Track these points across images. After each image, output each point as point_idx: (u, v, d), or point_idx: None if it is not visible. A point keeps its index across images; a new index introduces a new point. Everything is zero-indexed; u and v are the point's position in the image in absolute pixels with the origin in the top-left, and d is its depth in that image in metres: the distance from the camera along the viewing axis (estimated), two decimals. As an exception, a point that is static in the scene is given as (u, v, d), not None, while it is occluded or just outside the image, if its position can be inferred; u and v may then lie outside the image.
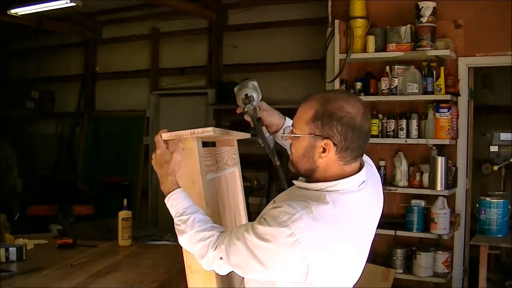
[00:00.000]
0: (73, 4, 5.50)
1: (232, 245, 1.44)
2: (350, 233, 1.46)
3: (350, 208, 1.46)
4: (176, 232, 1.54)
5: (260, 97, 1.89)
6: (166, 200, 1.58)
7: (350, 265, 1.52)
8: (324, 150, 1.45)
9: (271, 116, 1.87)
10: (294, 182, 1.58)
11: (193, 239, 1.50)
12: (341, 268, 1.48)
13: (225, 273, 1.51)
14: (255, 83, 1.89)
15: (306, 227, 1.36)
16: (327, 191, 1.45)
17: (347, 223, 1.45)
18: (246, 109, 1.80)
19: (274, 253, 1.38)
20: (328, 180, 1.47)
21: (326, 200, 1.42)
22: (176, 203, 1.56)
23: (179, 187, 1.60)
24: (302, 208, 1.39)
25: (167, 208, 1.59)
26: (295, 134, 1.51)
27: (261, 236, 1.39)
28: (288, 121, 1.87)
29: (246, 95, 1.83)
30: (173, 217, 1.56)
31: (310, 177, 1.52)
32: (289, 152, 1.58)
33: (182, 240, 1.53)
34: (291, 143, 1.54)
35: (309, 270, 1.38)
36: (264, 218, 1.42)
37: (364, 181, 1.52)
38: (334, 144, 1.44)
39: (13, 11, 5.80)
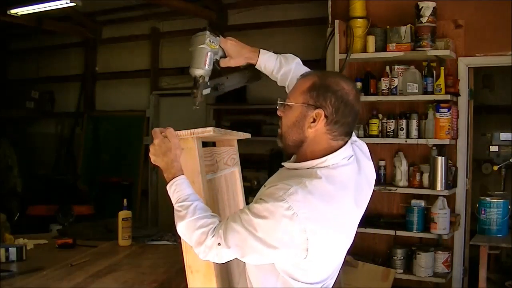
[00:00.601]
0: (73, 4, 5.50)
1: (229, 228, 1.44)
2: (344, 205, 1.49)
3: (342, 181, 1.50)
4: (175, 218, 1.53)
5: (218, 42, 1.79)
6: (169, 186, 1.57)
7: (344, 239, 1.55)
8: (314, 121, 1.50)
9: (239, 62, 1.87)
10: (284, 164, 1.61)
11: (193, 225, 1.49)
12: (336, 242, 1.51)
13: (223, 261, 1.51)
14: (204, 45, 1.76)
15: (302, 200, 1.39)
16: (317, 167, 1.49)
17: (341, 196, 1.48)
18: (196, 103, 1.76)
19: (273, 228, 1.40)
20: (316, 156, 1.51)
21: (318, 175, 1.46)
22: (179, 189, 1.56)
23: (183, 174, 1.59)
24: (296, 184, 1.42)
25: (168, 196, 1.58)
26: (288, 103, 1.55)
27: (259, 214, 1.41)
28: (262, 52, 1.86)
29: (195, 78, 1.77)
30: (174, 203, 1.55)
31: (298, 151, 1.56)
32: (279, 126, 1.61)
33: (180, 226, 1.52)
34: (281, 116, 1.58)
35: (308, 245, 1.40)
36: (260, 198, 1.44)
37: (352, 155, 1.56)
38: (325, 115, 1.49)
39: (13, 11, 5.80)
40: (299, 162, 1.55)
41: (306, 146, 1.53)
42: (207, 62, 1.76)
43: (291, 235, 1.39)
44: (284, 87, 1.88)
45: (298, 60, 1.89)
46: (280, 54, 1.90)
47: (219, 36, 1.80)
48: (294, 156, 1.63)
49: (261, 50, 1.86)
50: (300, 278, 1.49)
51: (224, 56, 1.83)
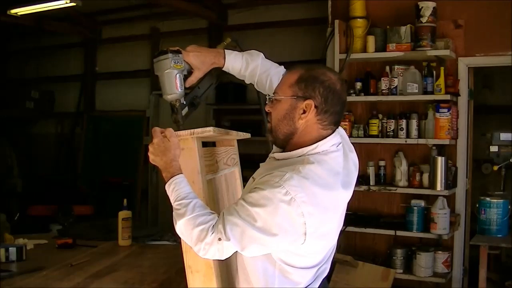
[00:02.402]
0: (73, 4, 5.49)
1: (227, 222, 1.45)
2: (337, 189, 1.52)
3: (333, 166, 1.53)
4: (174, 217, 1.53)
5: (182, 59, 1.73)
6: (167, 185, 1.57)
7: (336, 221, 1.57)
8: (304, 112, 1.53)
9: (206, 70, 1.81)
10: (274, 155, 1.62)
11: (193, 222, 1.49)
12: (330, 224, 1.53)
13: (224, 257, 1.51)
14: (170, 68, 1.70)
15: (298, 185, 1.42)
16: (308, 154, 1.53)
17: (333, 180, 1.51)
18: (179, 127, 1.73)
19: (272, 215, 1.42)
20: (307, 144, 1.54)
21: (310, 160, 1.50)
22: (178, 187, 1.56)
23: (182, 173, 1.59)
24: (291, 170, 1.46)
25: (167, 195, 1.57)
26: (277, 97, 1.57)
27: (256, 203, 1.43)
28: (227, 53, 1.81)
29: (171, 104, 1.75)
30: (173, 201, 1.55)
31: (288, 143, 1.58)
32: (267, 121, 1.63)
33: (179, 224, 1.52)
34: (270, 111, 1.60)
35: (306, 229, 1.43)
36: (256, 187, 1.46)
37: (340, 142, 1.60)
38: (315, 106, 1.52)
39: (13, 11, 5.79)
40: (289, 151, 1.58)
41: (296, 137, 1.56)
42: (178, 84, 1.72)
43: (290, 220, 1.42)
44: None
45: (262, 55, 1.88)
46: (244, 51, 1.87)
47: (181, 52, 1.74)
48: (277, 148, 1.65)
49: (226, 52, 1.83)
50: (296, 264, 1.53)
51: (191, 68, 1.78)
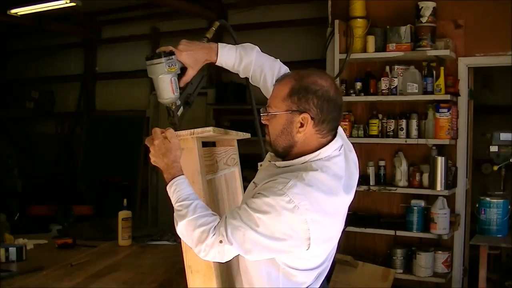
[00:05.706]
0: (73, 4, 5.50)
1: (230, 226, 1.45)
2: (339, 193, 1.52)
3: (336, 171, 1.53)
4: (175, 218, 1.53)
5: (175, 60, 1.69)
6: (168, 186, 1.57)
7: (338, 225, 1.57)
8: (302, 125, 1.51)
9: (199, 67, 1.79)
10: (276, 163, 1.61)
11: (194, 224, 1.48)
12: (333, 229, 1.53)
13: (224, 259, 1.51)
14: (165, 73, 1.66)
15: (301, 193, 1.42)
16: (311, 161, 1.52)
17: (336, 185, 1.51)
18: (177, 128, 1.71)
19: (275, 222, 1.41)
20: (308, 153, 1.53)
21: (313, 167, 1.49)
22: (179, 188, 1.55)
23: (183, 174, 1.59)
24: (294, 177, 1.45)
25: (168, 196, 1.57)
26: (272, 112, 1.55)
27: (259, 209, 1.42)
28: (220, 47, 1.80)
29: (167, 107, 1.73)
30: (174, 202, 1.54)
31: (288, 154, 1.57)
32: (265, 131, 1.62)
33: (180, 225, 1.51)
34: (267, 124, 1.58)
35: (310, 235, 1.43)
36: (259, 193, 1.45)
37: (342, 145, 1.59)
38: (311, 118, 1.50)
39: (13, 11, 5.80)
40: (291, 160, 1.57)
41: (296, 149, 1.55)
42: (174, 88, 1.70)
43: (293, 227, 1.42)
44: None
45: (257, 48, 1.86)
46: (238, 44, 1.86)
47: (174, 53, 1.71)
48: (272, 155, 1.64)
49: (219, 45, 1.81)
50: (300, 267, 1.53)
51: (184, 66, 1.75)
